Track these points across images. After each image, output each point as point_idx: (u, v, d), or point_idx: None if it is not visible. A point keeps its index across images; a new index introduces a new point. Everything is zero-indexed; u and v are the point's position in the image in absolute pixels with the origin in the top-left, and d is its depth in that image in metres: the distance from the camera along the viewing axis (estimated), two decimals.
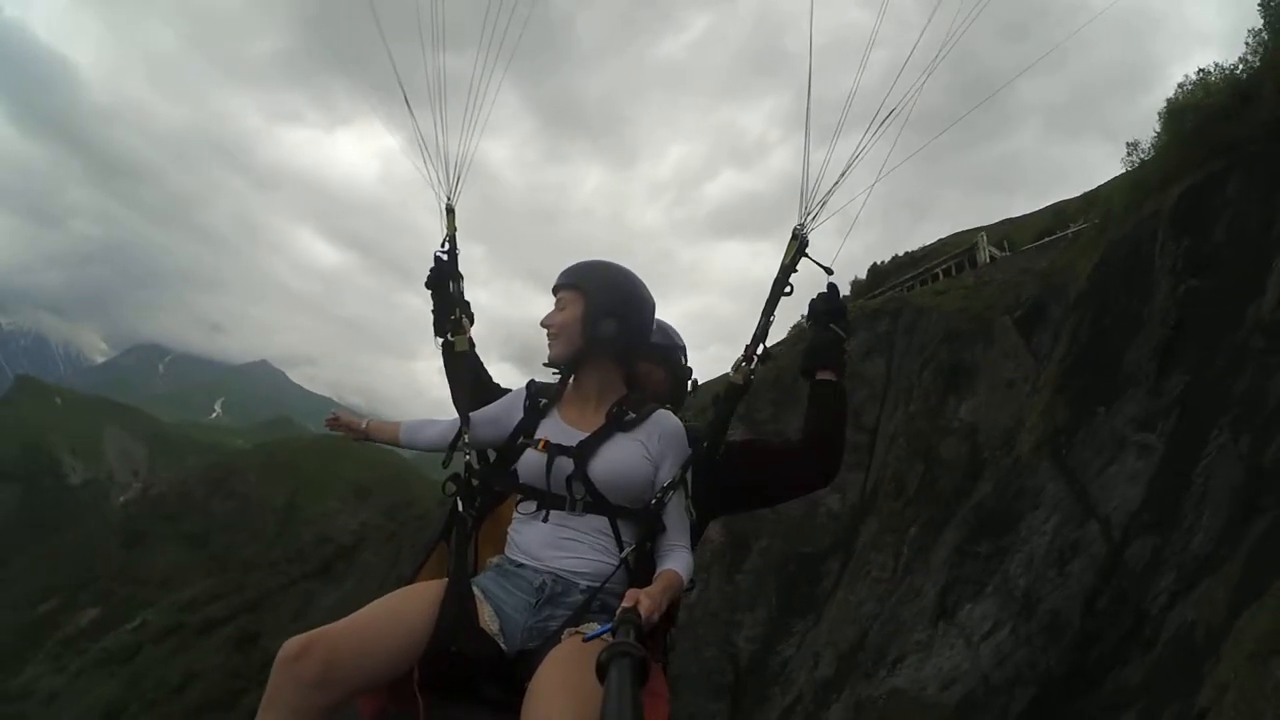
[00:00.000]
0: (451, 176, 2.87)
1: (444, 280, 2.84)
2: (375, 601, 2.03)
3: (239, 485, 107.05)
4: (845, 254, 2.44)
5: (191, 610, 75.87)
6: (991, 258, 23.98)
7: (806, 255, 2.40)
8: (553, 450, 2.24)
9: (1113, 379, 11.87)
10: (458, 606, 2.03)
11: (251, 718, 1.83)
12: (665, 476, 2.25)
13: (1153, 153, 15.87)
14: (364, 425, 2.64)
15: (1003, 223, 40.35)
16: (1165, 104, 14.69)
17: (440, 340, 2.83)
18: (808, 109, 2.39)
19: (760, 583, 20.43)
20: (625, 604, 1.77)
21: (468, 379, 2.67)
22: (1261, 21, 14.16)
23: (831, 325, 2.43)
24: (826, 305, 2.45)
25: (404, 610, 2.01)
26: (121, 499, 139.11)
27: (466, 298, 2.88)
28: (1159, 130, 15.06)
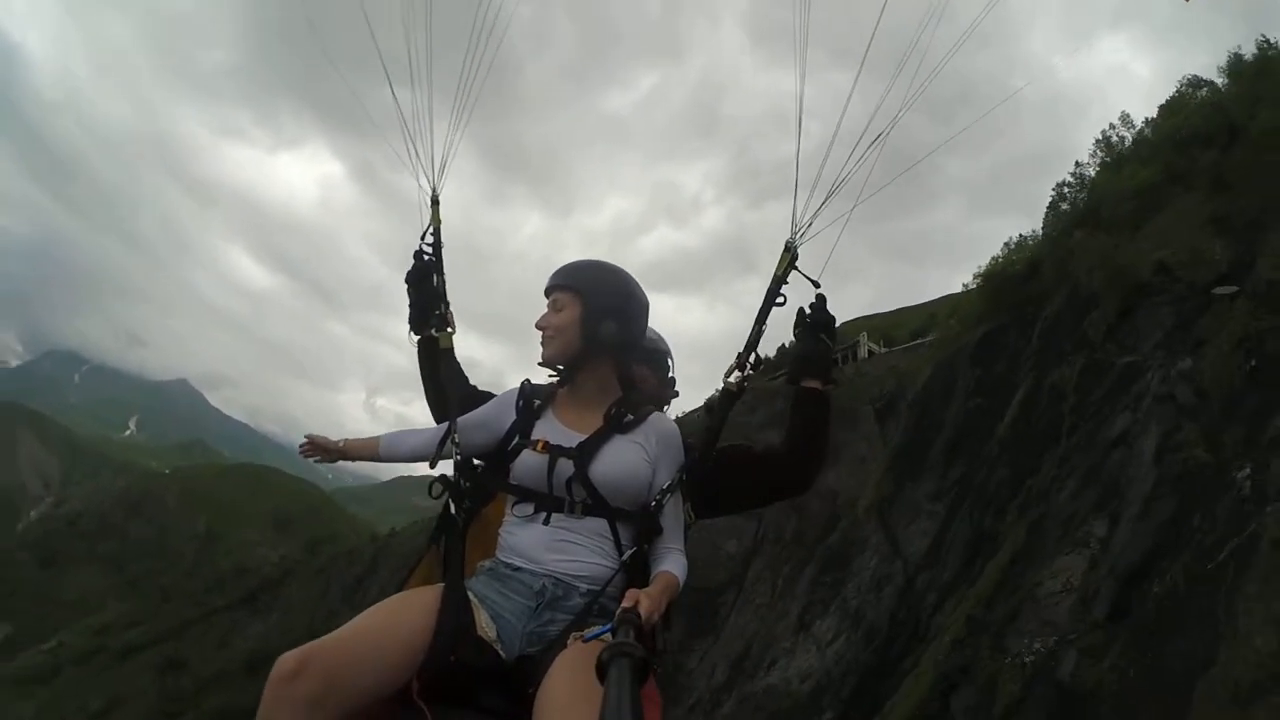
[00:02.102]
0: (435, 165, 2.74)
1: (427, 275, 2.76)
2: (368, 611, 1.99)
3: (156, 510, 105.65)
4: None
5: (109, 634, 75.75)
6: (870, 352, 29.17)
7: (796, 268, 2.47)
8: (554, 451, 2.22)
9: (921, 464, 16.81)
10: (456, 614, 2.00)
11: None
12: (663, 479, 2.25)
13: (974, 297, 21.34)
14: (340, 444, 2.47)
15: (896, 311, 46.03)
16: (983, 267, 20.10)
17: (417, 337, 2.78)
18: (799, 119, 2.51)
19: (672, 610, 24.69)
20: (625, 604, 1.76)
21: (455, 376, 2.64)
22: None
23: (821, 336, 2.50)
24: (816, 316, 2.51)
25: (400, 619, 1.96)
26: (34, 513, 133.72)
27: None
28: (978, 283, 20.49)
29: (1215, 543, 6.67)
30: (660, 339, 2.91)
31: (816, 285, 2.52)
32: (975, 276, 20.52)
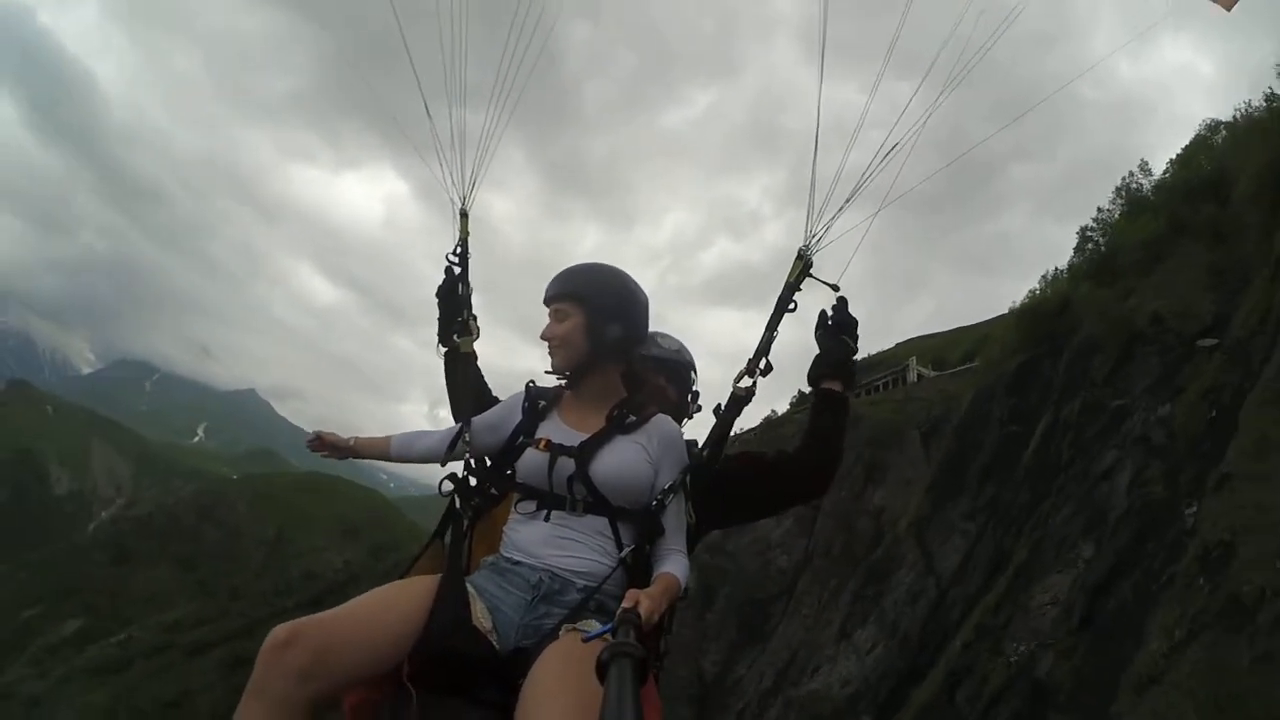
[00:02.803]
0: (466, 180, 2.86)
1: (454, 284, 2.88)
2: (367, 593, 2.09)
3: (227, 515, 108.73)
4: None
5: (179, 631, 77.20)
6: (919, 376, 30.53)
7: (811, 275, 2.52)
8: (555, 450, 2.29)
9: (959, 485, 18.36)
10: (452, 602, 2.07)
11: None
12: (665, 479, 2.31)
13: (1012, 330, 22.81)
14: (351, 442, 2.59)
15: (952, 331, 46.84)
16: (1020, 303, 21.53)
17: (443, 350, 2.88)
18: (817, 129, 2.50)
19: (723, 621, 26.49)
20: (625, 604, 1.80)
21: (470, 380, 2.75)
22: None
23: (842, 337, 2.55)
24: (838, 318, 2.56)
25: (397, 602, 2.05)
26: (104, 514, 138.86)
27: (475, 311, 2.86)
28: (1015, 316, 21.97)
29: (1160, 567, 8.32)
30: (682, 350, 2.94)
31: (836, 290, 2.59)
32: (1010, 310, 21.96)
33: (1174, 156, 18.85)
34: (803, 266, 2.51)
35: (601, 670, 1.41)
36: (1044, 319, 19.60)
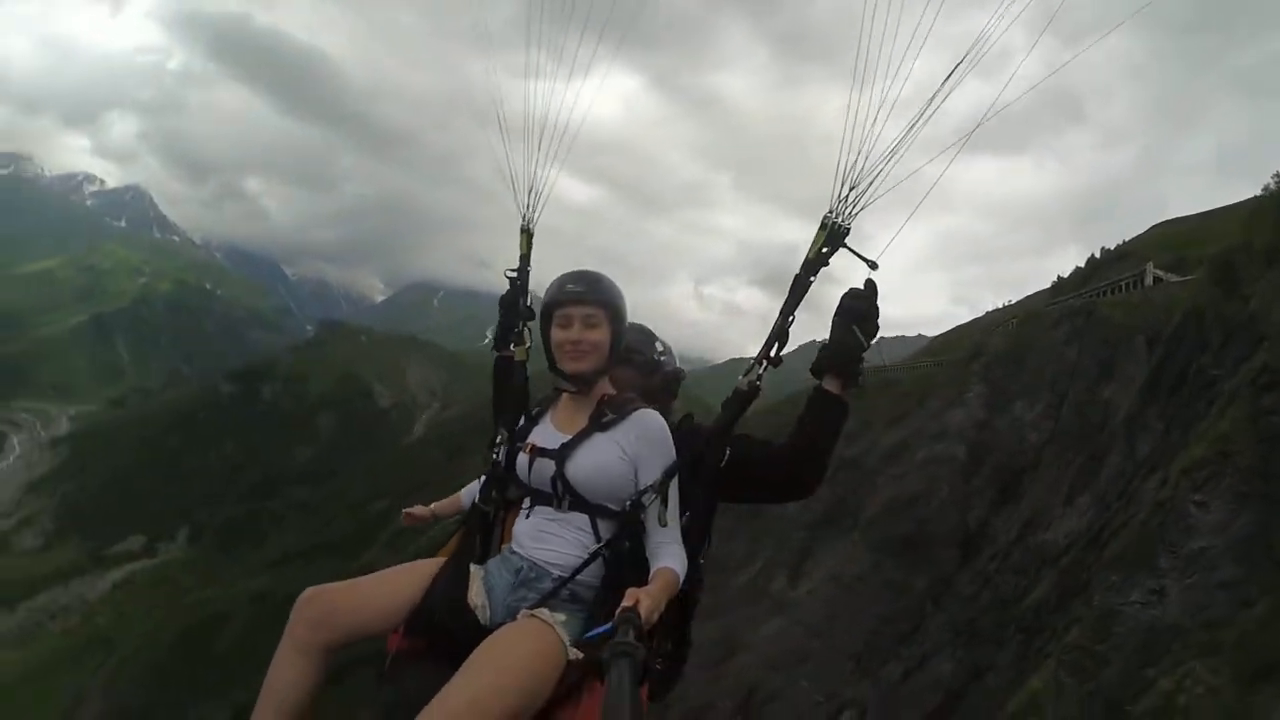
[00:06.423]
0: (531, 201, 3.13)
1: (514, 297, 3.16)
2: (384, 569, 2.62)
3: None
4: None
5: None
6: (1156, 279, 35.66)
7: (847, 246, 2.34)
8: (535, 453, 2.63)
9: (1156, 393, 25.53)
10: (449, 580, 2.53)
11: None
12: (647, 477, 2.50)
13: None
14: (431, 510, 3.23)
15: (1199, 216, 47.47)
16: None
17: (495, 354, 3.23)
18: (854, 80, 2.26)
19: (986, 484, 32.17)
20: (625, 603, 1.99)
21: (518, 384, 3.03)
22: None
23: (854, 328, 2.45)
24: (856, 304, 2.45)
25: (399, 580, 2.55)
26: (423, 417, 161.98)
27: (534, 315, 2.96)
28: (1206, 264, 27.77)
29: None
30: (656, 338, 3.12)
31: (873, 266, 2.39)
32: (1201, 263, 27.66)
33: None
34: (827, 237, 2.32)
35: (603, 670, 1.56)
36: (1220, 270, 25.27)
